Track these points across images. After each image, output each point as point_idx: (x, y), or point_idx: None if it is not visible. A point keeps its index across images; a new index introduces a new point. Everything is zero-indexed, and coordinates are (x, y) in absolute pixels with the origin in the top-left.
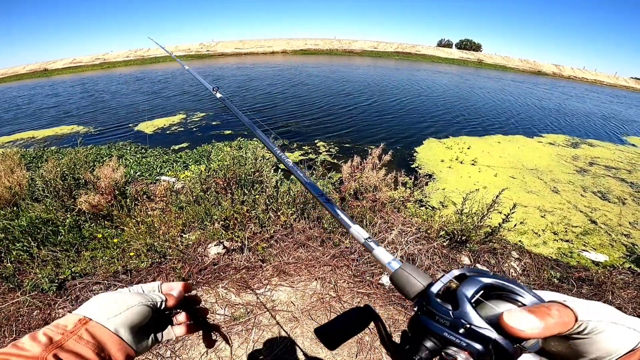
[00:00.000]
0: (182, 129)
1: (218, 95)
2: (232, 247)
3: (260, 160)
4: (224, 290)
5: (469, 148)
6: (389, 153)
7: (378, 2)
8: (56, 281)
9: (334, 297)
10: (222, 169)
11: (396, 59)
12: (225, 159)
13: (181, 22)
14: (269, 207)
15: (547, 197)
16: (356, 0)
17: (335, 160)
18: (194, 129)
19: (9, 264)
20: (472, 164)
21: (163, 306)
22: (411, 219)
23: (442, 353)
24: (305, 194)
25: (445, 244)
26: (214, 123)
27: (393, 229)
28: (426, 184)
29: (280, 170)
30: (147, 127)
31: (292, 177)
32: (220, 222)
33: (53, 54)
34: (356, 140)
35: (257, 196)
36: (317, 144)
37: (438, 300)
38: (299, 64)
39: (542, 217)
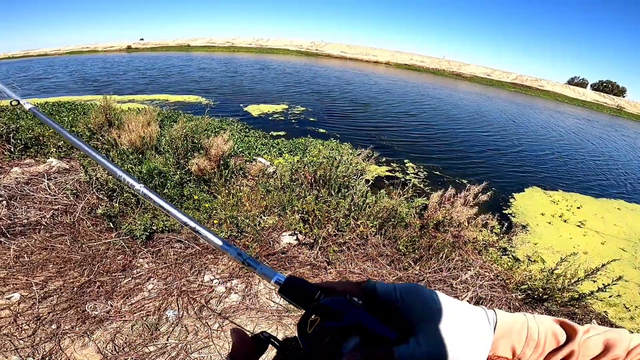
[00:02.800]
0: (282, 118)
1: (27, 106)
2: (304, 241)
3: (354, 166)
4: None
5: (579, 207)
6: (488, 193)
7: (500, 26)
8: (148, 231)
9: None
10: (314, 165)
11: (510, 91)
12: (319, 156)
13: (296, 19)
14: (351, 214)
15: None
16: (472, 22)
17: (422, 186)
18: (293, 121)
19: (116, 204)
20: (578, 226)
21: None
22: (491, 264)
23: None
24: (390, 210)
25: (520, 297)
26: (311, 119)
27: (469, 269)
28: (516, 233)
29: (369, 181)
30: (254, 110)
31: (381, 190)
32: (300, 215)
33: (193, 32)
34: (449, 170)
35: (341, 200)
36: (406, 164)
37: (301, 332)
38: (418, 83)
39: None
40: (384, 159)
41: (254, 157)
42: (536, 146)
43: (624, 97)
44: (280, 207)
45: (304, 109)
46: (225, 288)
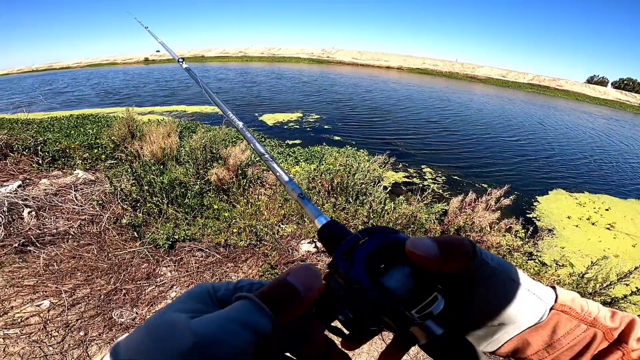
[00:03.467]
0: (297, 126)
1: (184, 65)
2: (323, 249)
3: (371, 173)
4: None
5: (607, 210)
6: (510, 197)
7: (512, 26)
8: (171, 240)
9: None
10: (331, 173)
11: (528, 91)
12: (335, 164)
13: (307, 26)
14: (370, 222)
15: None
16: (485, 23)
17: (441, 191)
18: (308, 129)
19: (140, 214)
20: (608, 228)
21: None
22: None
23: (338, 314)
24: (410, 217)
25: None
26: (325, 126)
27: None
28: (542, 237)
29: (387, 188)
30: (269, 119)
31: (399, 197)
32: None
33: (208, 43)
34: (468, 175)
35: (359, 207)
36: (424, 170)
37: (341, 256)
38: (436, 88)
39: None
40: (400, 165)
41: None
42: (561, 148)
43: None
44: (299, 215)
45: (318, 116)
46: None
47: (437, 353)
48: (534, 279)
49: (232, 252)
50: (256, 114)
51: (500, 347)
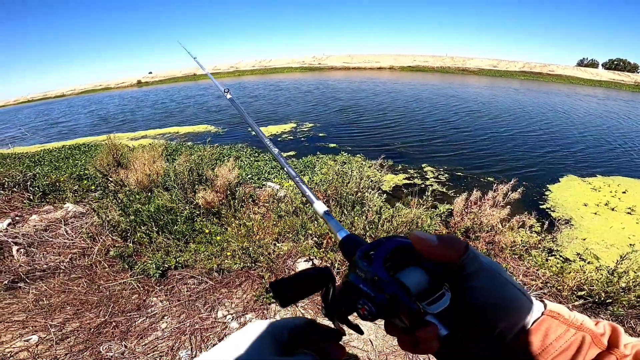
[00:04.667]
0: (291, 137)
1: (228, 96)
2: (321, 266)
3: (365, 181)
4: (302, 310)
5: (624, 192)
6: (519, 190)
7: (500, 16)
8: (161, 268)
9: None
10: (324, 184)
11: (521, 79)
12: (329, 173)
13: (296, 36)
14: (367, 233)
15: None
16: (472, 15)
17: (445, 190)
18: (302, 139)
19: (130, 244)
20: (629, 213)
21: None
22: (536, 270)
23: (357, 304)
24: (411, 224)
25: (577, 303)
26: (320, 134)
27: None
28: (560, 230)
29: (384, 192)
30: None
31: (396, 204)
32: (314, 239)
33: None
34: (472, 169)
35: (356, 218)
36: (425, 169)
37: (362, 257)
38: (440, 86)
39: None
40: (399, 167)
41: (264, 182)
42: (567, 132)
43: (638, 72)
44: (294, 232)
45: (312, 125)
46: (239, 324)
47: (442, 354)
48: (556, 279)
49: (226, 276)
50: (249, 129)
51: None
